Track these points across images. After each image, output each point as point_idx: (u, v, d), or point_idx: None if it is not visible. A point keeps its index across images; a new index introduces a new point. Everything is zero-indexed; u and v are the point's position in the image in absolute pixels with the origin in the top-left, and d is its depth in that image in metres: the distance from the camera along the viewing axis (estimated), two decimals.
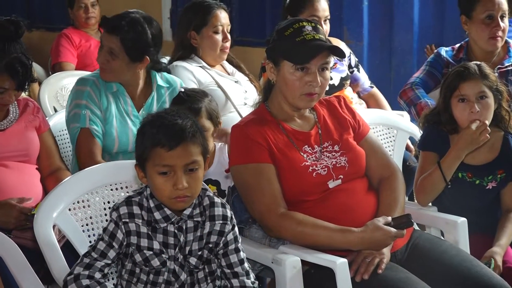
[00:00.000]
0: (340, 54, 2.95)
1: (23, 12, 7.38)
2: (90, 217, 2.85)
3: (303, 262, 2.77)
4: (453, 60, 4.17)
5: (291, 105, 2.96)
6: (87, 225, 2.83)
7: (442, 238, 3.16)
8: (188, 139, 2.41)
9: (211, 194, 2.59)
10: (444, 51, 4.25)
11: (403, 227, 2.82)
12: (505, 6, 4.05)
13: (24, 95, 4.68)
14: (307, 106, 2.99)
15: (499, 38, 4.05)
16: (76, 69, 5.79)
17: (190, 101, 3.27)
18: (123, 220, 2.46)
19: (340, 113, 3.08)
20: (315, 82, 2.86)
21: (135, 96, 3.63)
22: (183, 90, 3.39)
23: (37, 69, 6.03)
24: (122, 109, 3.57)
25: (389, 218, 2.82)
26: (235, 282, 2.55)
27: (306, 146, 2.95)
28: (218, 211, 2.55)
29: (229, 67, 4.30)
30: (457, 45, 4.27)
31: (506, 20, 4.06)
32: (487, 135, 3.16)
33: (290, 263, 2.73)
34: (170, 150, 2.38)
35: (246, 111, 3.98)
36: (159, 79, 3.70)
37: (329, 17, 4.52)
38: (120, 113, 3.56)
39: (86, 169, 3.00)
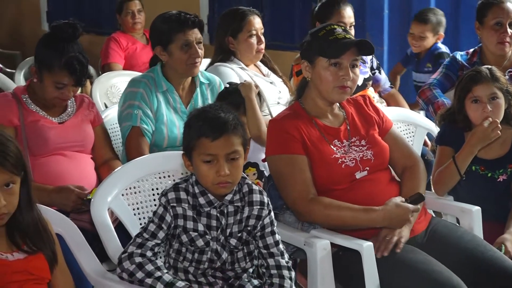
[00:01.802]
0: (369, 49, 2.94)
1: (74, 18, 7.42)
2: (140, 202, 2.86)
3: (332, 244, 2.78)
4: (467, 63, 4.15)
5: (325, 99, 2.97)
6: (138, 209, 2.85)
7: (457, 224, 3.15)
8: (230, 130, 2.42)
9: (250, 182, 2.60)
10: (459, 55, 4.24)
11: (417, 202, 2.86)
12: None
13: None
14: (340, 99, 2.98)
15: (507, 44, 4.03)
16: (124, 69, 5.82)
17: (232, 97, 3.30)
18: (171, 204, 2.48)
19: (366, 111, 3.09)
20: (347, 76, 2.87)
21: (182, 93, 3.63)
22: (228, 85, 3.42)
23: (90, 70, 6.09)
24: (171, 106, 3.56)
25: (403, 198, 2.85)
26: (271, 261, 2.56)
27: (336, 140, 2.96)
28: (256, 197, 2.57)
29: (265, 69, 4.31)
30: (471, 49, 4.25)
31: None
32: (498, 132, 3.15)
33: (320, 246, 2.74)
34: (214, 140, 2.40)
35: (278, 109, 4.00)
36: (201, 76, 3.70)
37: (353, 24, 4.52)
38: (169, 110, 3.55)
39: (137, 158, 3.02)
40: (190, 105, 3.62)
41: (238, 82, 3.96)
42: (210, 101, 3.66)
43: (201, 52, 3.55)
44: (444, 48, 5.07)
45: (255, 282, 2.63)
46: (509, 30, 4.00)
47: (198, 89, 3.68)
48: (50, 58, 3.22)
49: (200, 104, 3.63)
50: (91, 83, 5.41)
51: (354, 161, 2.92)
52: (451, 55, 4.33)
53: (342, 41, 2.86)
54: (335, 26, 2.93)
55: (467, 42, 5.13)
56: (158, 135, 3.50)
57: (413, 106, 4.81)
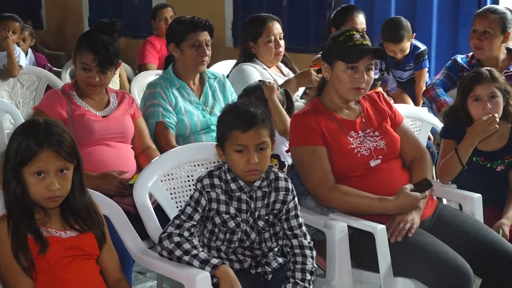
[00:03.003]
0: (383, 56, 2.97)
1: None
2: (176, 187, 2.85)
3: (349, 227, 2.76)
4: (467, 65, 4.13)
5: (341, 98, 2.95)
6: (174, 193, 2.84)
7: (460, 210, 3.12)
8: (259, 123, 2.41)
9: (276, 170, 2.59)
10: (459, 58, 4.21)
11: (424, 190, 2.84)
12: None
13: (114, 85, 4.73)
14: (355, 99, 2.97)
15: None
16: (157, 69, 5.80)
17: (258, 92, 3.31)
18: (206, 189, 2.47)
19: (380, 106, 3.06)
20: (362, 79, 2.86)
21: (194, 87, 3.65)
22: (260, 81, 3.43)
23: (127, 69, 6.09)
24: (187, 99, 3.58)
25: (412, 186, 2.83)
26: (294, 241, 2.54)
27: (352, 131, 2.93)
28: (282, 184, 2.55)
29: (285, 69, 4.29)
30: (470, 53, 4.21)
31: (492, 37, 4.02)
32: (496, 125, 3.13)
33: (338, 228, 2.73)
34: (245, 132, 2.39)
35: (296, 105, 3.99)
36: (207, 73, 3.75)
37: (365, 29, 4.48)
38: (186, 103, 3.57)
39: (174, 148, 3.02)
40: (202, 96, 3.67)
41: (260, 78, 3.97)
42: (218, 92, 3.73)
43: (208, 52, 3.59)
44: (421, 45, 4.97)
45: (280, 260, 2.62)
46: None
47: (206, 83, 3.72)
48: (81, 42, 3.27)
49: (210, 94, 3.70)
50: (129, 81, 5.42)
51: (368, 150, 2.90)
52: (452, 58, 4.29)
53: (359, 47, 2.84)
54: (354, 32, 2.89)
55: (465, 46, 5.08)
56: (181, 125, 3.51)
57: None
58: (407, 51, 4.85)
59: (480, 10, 4.22)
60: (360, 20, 4.45)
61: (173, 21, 3.70)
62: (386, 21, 4.90)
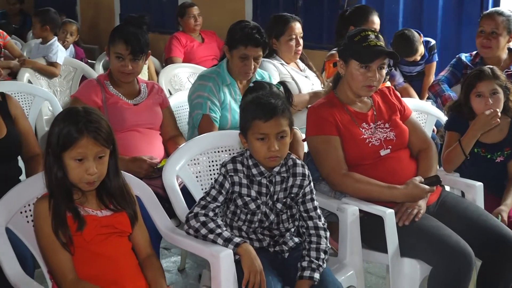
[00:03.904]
0: (395, 58, 2.94)
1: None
2: (201, 171, 2.84)
3: (360, 210, 2.75)
4: (471, 63, 4.08)
5: (354, 93, 2.93)
6: (199, 176, 2.83)
7: (462, 197, 3.10)
8: (279, 113, 2.38)
9: (294, 157, 2.57)
10: (464, 56, 4.17)
11: (434, 184, 2.82)
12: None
13: (143, 77, 4.72)
14: (367, 95, 2.95)
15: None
16: (183, 62, 5.80)
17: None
18: (230, 174, 2.46)
19: (390, 99, 3.04)
20: (374, 77, 2.83)
21: (241, 86, 3.57)
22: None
23: (155, 62, 6.09)
24: (233, 97, 3.50)
25: (422, 178, 2.80)
26: (310, 223, 2.53)
27: (364, 123, 2.91)
28: (299, 169, 2.53)
29: (302, 65, 4.25)
30: (474, 52, 4.16)
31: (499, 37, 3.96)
32: (498, 119, 3.12)
33: (350, 211, 2.72)
34: (266, 122, 2.37)
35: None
36: (256, 74, 3.65)
37: (378, 29, 4.43)
38: (232, 100, 3.49)
39: (200, 135, 2.99)
40: None
41: (278, 76, 3.93)
42: None
43: (254, 65, 3.44)
44: (431, 39, 4.99)
45: (296, 239, 2.61)
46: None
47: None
48: (114, 34, 3.27)
49: None
50: (157, 73, 5.42)
51: (379, 140, 2.88)
52: (457, 56, 4.24)
53: (374, 48, 2.81)
54: (369, 33, 2.86)
55: (468, 43, 5.04)
56: (223, 120, 3.45)
57: None
58: (423, 51, 4.86)
59: (487, 12, 4.15)
60: (377, 21, 4.41)
61: (236, 25, 3.48)
62: (396, 38, 4.85)
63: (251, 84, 3.26)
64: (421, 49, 4.84)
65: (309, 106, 3.08)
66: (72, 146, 2.10)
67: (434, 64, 4.97)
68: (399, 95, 3.14)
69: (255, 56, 3.41)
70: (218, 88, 3.45)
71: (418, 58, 4.88)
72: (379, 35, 2.87)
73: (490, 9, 4.57)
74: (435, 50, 4.95)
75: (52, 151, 2.13)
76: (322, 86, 4.10)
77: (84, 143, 2.11)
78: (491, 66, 3.29)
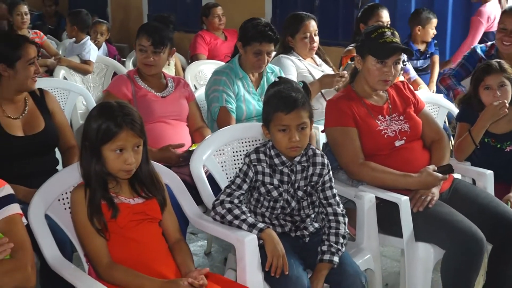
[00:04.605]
0: (410, 54, 2.92)
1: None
2: (226, 161, 2.83)
3: (376, 197, 2.72)
4: (486, 55, 3.97)
5: (371, 87, 2.89)
6: (224, 166, 2.81)
7: (474, 184, 3.06)
8: (300, 106, 2.36)
9: (314, 147, 2.54)
10: (479, 48, 4.05)
11: (447, 173, 2.78)
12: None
13: (170, 73, 4.72)
14: (382, 89, 2.91)
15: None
16: (207, 59, 5.78)
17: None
18: (253, 163, 2.45)
19: (404, 93, 2.99)
20: (390, 72, 2.80)
21: (253, 79, 3.57)
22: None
23: (181, 59, 6.08)
24: (246, 89, 3.50)
25: (435, 167, 2.76)
26: (329, 209, 2.51)
27: (380, 115, 2.87)
28: (319, 159, 2.51)
29: (318, 60, 4.21)
30: (489, 43, 4.07)
31: None
32: (506, 110, 3.08)
33: (367, 198, 2.69)
34: (287, 114, 2.35)
35: (326, 92, 3.93)
36: (266, 68, 3.64)
37: (389, 23, 4.38)
38: (245, 92, 3.50)
39: (225, 127, 2.98)
40: (259, 88, 3.57)
41: (295, 71, 3.90)
42: None
43: (267, 59, 3.49)
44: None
45: (316, 225, 2.59)
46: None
47: (264, 76, 3.63)
48: (140, 30, 3.30)
49: (266, 86, 3.53)
50: (183, 69, 5.42)
51: (394, 132, 2.84)
52: (472, 48, 4.12)
53: (390, 45, 2.77)
54: (385, 30, 2.82)
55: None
56: (238, 111, 3.45)
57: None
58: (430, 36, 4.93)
59: (508, 9, 4.00)
60: (385, 15, 4.36)
61: (248, 23, 3.49)
62: (414, 12, 4.99)
63: (276, 79, 3.26)
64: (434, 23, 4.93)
65: (328, 99, 3.04)
66: (112, 139, 2.10)
67: (438, 56, 5.00)
68: (413, 89, 3.09)
69: (268, 51, 3.44)
70: (232, 81, 3.46)
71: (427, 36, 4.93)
72: (395, 31, 2.83)
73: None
74: (435, 42, 5.03)
75: (90, 145, 2.13)
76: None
77: (123, 136, 2.11)
78: (499, 60, 3.27)
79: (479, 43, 4.54)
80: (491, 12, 4.99)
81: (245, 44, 3.45)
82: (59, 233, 2.30)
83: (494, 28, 4.76)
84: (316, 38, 4.13)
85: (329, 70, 4.16)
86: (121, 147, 2.11)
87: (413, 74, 4.69)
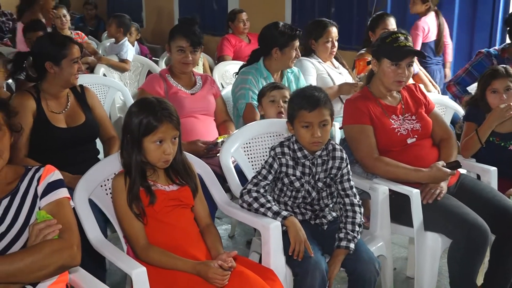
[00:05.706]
0: (422, 56, 2.87)
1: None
2: (252, 153, 2.79)
3: (389, 190, 2.68)
4: (499, 58, 3.84)
5: (386, 88, 2.84)
6: (250, 157, 2.78)
7: (479, 180, 3.00)
8: (322, 105, 2.34)
9: (334, 142, 2.50)
10: (492, 50, 3.92)
11: (454, 168, 2.73)
12: None
13: (197, 70, 4.69)
14: (396, 89, 2.86)
15: None
16: (232, 60, 5.74)
17: None
18: (278, 156, 2.42)
19: (416, 95, 2.94)
20: (404, 74, 2.75)
21: (276, 78, 3.55)
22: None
23: (208, 59, 6.05)
24: None
25: (444, 163, 2.71)
26: (346, 200, 2.48)
27: (394, 115, 2.82)
28: (338, 153, 2.47)
29: (336, 63, 4.16)
30: (501, 46, 3.93)
31: None
32: (511, 112, 3.02)
33: (381, 190, 2.65)
34: (310, 112, 2.33)
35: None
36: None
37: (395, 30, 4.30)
38: None
39: (251, 123, 2.94)
40: None
41: (315, 72, 3.85)
42: (293, 83, 3.62)
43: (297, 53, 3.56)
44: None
45: (334, 214, 2.56)
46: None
47: (285, 76, 3.61)
48: (174, 32, 3.29)
49: (287, 85, 3.56)
50: (211, 69, 5.38)
51: (406, 130, 2.79)
52: (485, 51, 3.94)
53: (403, 48, 2.72)
54: (399, 35, 2.77)
55: (479, 45, 4.88)
56: None
57: None
58: None
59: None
60: (391, 22, 4.28)
61: (273, 30, 3.50)
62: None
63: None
64: None
65: (346, 98, 2.99)
66: (153, 132, 2.08)
67: None
68: (424, 91, 3.04)
69: (297, 46, 3.52)
70: (257, 79, 3.44)
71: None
72: (408, 36, 2.78)
73: None
74: None
75: (132, 138, 2.10)
76: (354, 80, 4.00)
77: (164, 129, 2.09)
78: (505, 66, 3.21)
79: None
80: (426, 25, 4.98)
81: (282, 46, 3.46)
82: (96, 217, 2.28)
83: (429, 39, 4.91)
84: (336, 44, 4.08)
85: (345, 72, 4.11)
86: (161, 139, 2.09)
87: (415, 70, 4.59)
